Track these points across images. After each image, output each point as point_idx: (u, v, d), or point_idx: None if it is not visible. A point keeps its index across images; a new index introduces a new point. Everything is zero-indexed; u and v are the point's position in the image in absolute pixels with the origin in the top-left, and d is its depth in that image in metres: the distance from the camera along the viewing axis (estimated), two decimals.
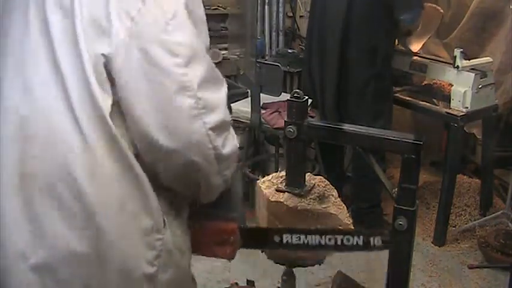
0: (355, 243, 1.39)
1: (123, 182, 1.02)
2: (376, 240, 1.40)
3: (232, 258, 1.32)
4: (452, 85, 2.96)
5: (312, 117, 2.78)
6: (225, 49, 3.81)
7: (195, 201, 1.19)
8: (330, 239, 1.39)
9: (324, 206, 1.59)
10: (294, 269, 1.69)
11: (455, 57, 2.86)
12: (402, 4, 2.83)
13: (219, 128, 1.06)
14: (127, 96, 1.01)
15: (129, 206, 1.03)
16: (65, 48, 1.00)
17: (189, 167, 1.07)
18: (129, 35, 0.98)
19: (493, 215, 3.07)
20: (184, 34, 1.02)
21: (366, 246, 1.40)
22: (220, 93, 1.08)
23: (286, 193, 1.59)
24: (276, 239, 1.39)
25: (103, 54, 0.99)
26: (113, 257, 1.03)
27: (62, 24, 1.00)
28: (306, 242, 1.38)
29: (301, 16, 3.91)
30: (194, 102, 1.01)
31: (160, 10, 1.00)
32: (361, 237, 1.40)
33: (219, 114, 1.06)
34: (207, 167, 1.08)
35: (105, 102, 1.00)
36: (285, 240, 1.39)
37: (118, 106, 1.02)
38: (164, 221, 1.09)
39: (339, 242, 1.39)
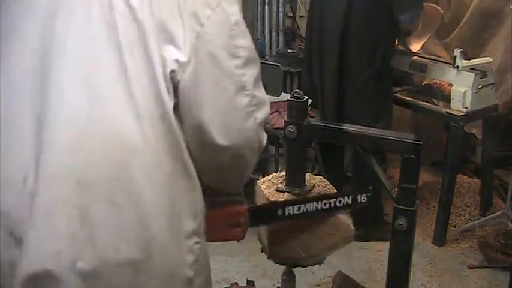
0: (345, 203, 1.53)
1: (178, 182, 1.04)
2: (362, 198, 1.55)
3: (242, 239, 1.38)
4: (452, 85, 2.95)
5: (312, 117, 2.78)
6: None
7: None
8: (325, 204, 1.50)
9: None
10: (294, 269, 1.70)
11: (455, 57, 2.86)
12: (402, 4, 2.83)
13: (263, 123, 1.14)
14: (190, 98, 1.03)
15: (177, 208, 1.04)
16: (134, 51, 0.99)
17: (236, 162, 1.12)
18: (198, 40, 1.02)
19: (493, 215, 3.06)
20: (245, 38, 1.08)
21: (354, 203, 1.55)
22: (263, 90, 1.14)
23: (286, 193, 1.60)
24: (279, 212, 1.47)
25: (176, 60, 1.01)
26: (161, 262, 1.02)
27: (130, 27, 1.00)
28: (305, 210, 1.48)
29: (301, 16, 3.91)
30: (249, 101, 1.08)
31: (226, 16, 1.05)
32: (350, 197, 1.54)
33: (267, 109, 1.14)
34: (250, 159, 1.15)
35: (171, 103, 1.02)
36: (287, 213, 1.47)
37: (177, 109, 1.04)
38: (204, 224, 1.10)
39: (332, 205, 1.51)
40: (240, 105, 1.07)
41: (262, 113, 1.12)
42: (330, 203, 1.51)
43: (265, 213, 1.48)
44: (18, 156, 1.01)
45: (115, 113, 0.99)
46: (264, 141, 1.16)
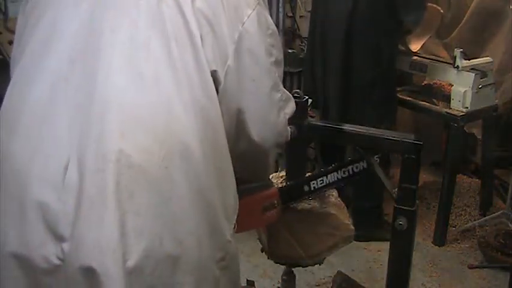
0: (361, 168, 1.58)
1: (216, 177, 1.05)
2: (376, 159, 1.60)
3: (276, 221, 1.45)
4: (452, 85, 2.95)
5: (312, 117, 2.77)
6: None
7: None
8: (344, 172, 1.57)
9: (324, 206, 1.60)
10: (294, 269, 1.70)
11: (455, 57, 2.86)
12: (407, 4, 2.82)
13: (290, 117, 1.22)
14: (230, 92, 1.07)
15: (213, 203, 1.05)
16: (180, 41, 1.02)
17: (266, 154, 1.19)
18: (239, 38, 1.06)
19: (493, 215, 3.06)
20: (276, 39, 1.15)
21: (370, 167, 1.59)
22: None
23: None
24: (306, 188, 1.53)
25: (218, 54, 1.04)
26: (197, 259, 1.02)
27: (176, 18, 1.02)
28: (327, 182, 1.55)
29: (301, 16, 3.90)
30: (280, 96, 1.17)
31: (263, 17, 1.12)
32: (365, 161, 1.59)
33: (293, 105, 1.23)
34: (277, 152, 1.23)
35: (215, 93, 1.05)
36: (312, 187, 1.54)
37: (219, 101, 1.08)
38: (235, 224, 1.12)
39: (351, 172, 1.58)
40: (275, 99, 1.15)
41: (290, 108, 1.21)
42: (348, 170, 1.57)
43: (294, 191, 1.53)
44: (55, 146, 0.99)
45: (164, 100, 1.00)
46: (289, 136, 1.24)
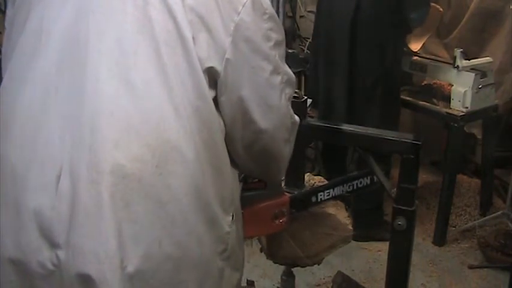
0: (365, 183, 1.63)
1: (212, 175, 1.04)
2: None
3: (286, 227, 1.45)
4: (452, 85, 2.95)
5: (312, 117, 2.77)
6: None
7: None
8: (349, 186, 1.61)
9: (322, 206, 1.60)
10: (293, 269, 1.70)
11: (455, 57, 2.86)
12: (412, 3, 2.81)
13: (291, 98, 1.20)
14: (229, 84, 1.06)
15: (212, 201, 1.04)
16: (170, 44, 1.00)
17: (276, 142, 1.17)
18: (235, 28, 1.05)
19: (493, 215, 3.06)
20: (274, 21, 1.12)
21: (373, 183, 1.65)
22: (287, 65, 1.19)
23: None
24: (313, 199, 1.55)
25: (213, 50, 1.03)
26: (198, 257, 1.02)
27: (165, 20, 1.00)
28: (333, 194, 1.58)
29: (301, 16, 3.90)
30: (281, 78, 1.14)
31: (258, 3, 1.09)
32: (369, 177, 1.63)
33: (294, 84, 1.21)
34: (285, 136, 1.20)
35: (210, 93, 1.04)
36: (319, 198, 1.56)
37: (216, 100, 1.07)
38: (233, 214, 1.11)
39: (355, 187, 1.62)
40: (275, 83, 1.12)
41: (291, 87, 1.19)
42: (353, 185, 1.61)
43: (302, 201, 1.53)
44: (48, 155, 0.98)
45: (155, 107, 0.98)
46: (297, 118, 1.22)
